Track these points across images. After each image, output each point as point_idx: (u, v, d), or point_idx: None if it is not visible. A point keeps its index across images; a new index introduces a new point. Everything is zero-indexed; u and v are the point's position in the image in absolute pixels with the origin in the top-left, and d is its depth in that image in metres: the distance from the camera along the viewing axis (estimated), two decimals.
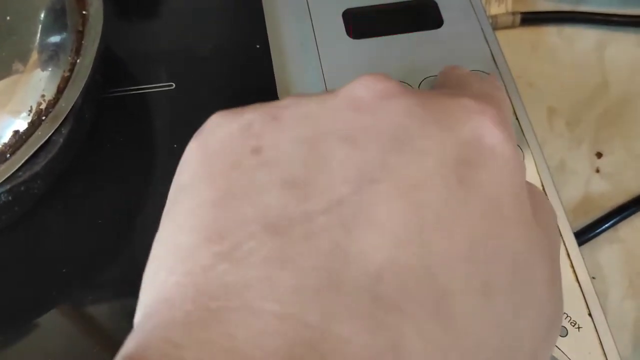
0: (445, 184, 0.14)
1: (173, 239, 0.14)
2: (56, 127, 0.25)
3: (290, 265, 0.12)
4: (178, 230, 0.14)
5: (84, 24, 0.28)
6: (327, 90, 0.16)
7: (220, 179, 0.14)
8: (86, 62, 0.27)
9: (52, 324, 0.28)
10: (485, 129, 0.15)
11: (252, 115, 0.15)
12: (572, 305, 0.25)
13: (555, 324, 0.16)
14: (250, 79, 0.33)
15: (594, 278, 0.26)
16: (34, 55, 0.28)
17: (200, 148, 0.15)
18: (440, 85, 0.23)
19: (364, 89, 0.16)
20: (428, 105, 0.15)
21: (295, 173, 0.14)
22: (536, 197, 0.17)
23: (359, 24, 0.33)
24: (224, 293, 0.12)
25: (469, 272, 0.13)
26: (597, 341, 0.25)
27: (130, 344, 0.12)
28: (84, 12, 0.29)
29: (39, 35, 0.28)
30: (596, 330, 0.25)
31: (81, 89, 0.26)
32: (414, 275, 0.13)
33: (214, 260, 0.13)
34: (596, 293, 0.26)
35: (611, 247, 0.32)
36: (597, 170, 0.35)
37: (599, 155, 0.35)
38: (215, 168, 0.14)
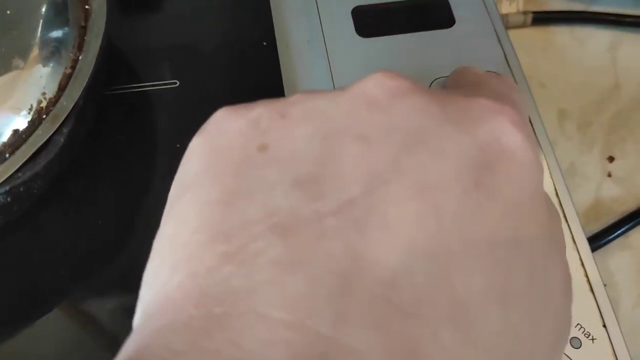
0: (461, 186, 0.13)
1: (177, 237, 0.13)
2: (57, 126, 0.24)
3: (299, 269, 0.12)
4: (182, 227, 0.13)
5: (86, 19, 0.28)
6: (337, 88, 0.15)
7: (226, 177, 0.14)
8: (89, 59, 0.27)
9: (51, 325, 0.28)
10: (503, 129, 0.15)
11: (259, 111, 0.15)
12: (586, 315, 0.25)
13: (567, 333, 0.16)
14: (257, 77, 0.32)
15: (605, 285, 0.26)
16: (35, 51, 0.27)
17: (205, 144, 0.15)
18: (453, 84, 0.23)
19: (376, 86, 0.15)
20: (444, 104, 0.15)
21: (305, 171, 0.13)
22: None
23: (369, 22, 0.32)
24: (230, 297, 0.11)
25: (487, 279, 0.13)
26: (612, 353, 0.24)
27: (129, 348, 0.12)
28: (86, 7, 0.28)
29: (40, 30, 0.27)
30: (610, 342, 0.24)
31: (83, 87, 0.26)
32: (429, 281, 0.12)
33: (219, 261, 0.12)
34: (610, 303, 0.25)
35: (622, 254, 0.32)
36: (609, 175, 0.34)
37: (611, 159, 0.34)
38: (221, 165, 0.14)
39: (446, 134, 0.14)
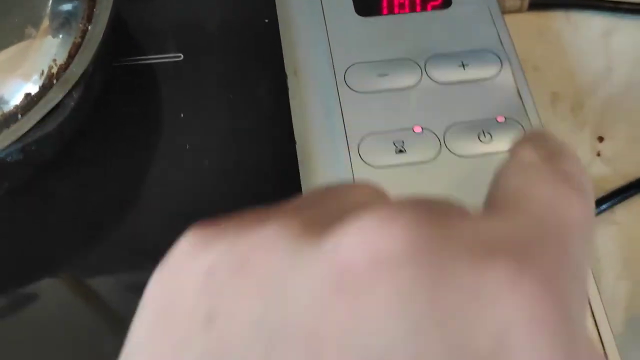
0: None
1: None
2: (67, 90, 0.26)
3: None
4: None
5: None
6: (316, 241, 0.12)
7: (165, 354, 0.13)
8: (97, 30, 0.28)
9: (56, 289, 0.29)
10: (515, 323, 0.11)
11: (219, 258, 0.13)
12: None
13: None
14: (258, 53, 0.33)
15: None
16: (46, 22, 0.28)
17: (156, 297, 0.14)
18: (494, 185, 0.16)
19: (358, 246, 0.12)
20: (440, 284, 0.11)
21: None
22: None
23: (368, 2, 0.33)
24: None
25: None
26: (592, 322, 0.25)
27: None
28: None
29: (51, 2, 0.29)
30: (592, 312, 0.25)
31: (92, 55, 0.27)
32: None
33: None
34: (592, 275, 0.26)
35: (607, 229, 0.33)
36: (598, 154, 0.35)
37: (601, 139, 0.35)
38: (163, 337, 0.13)
39: (432, 340, 0.11)
